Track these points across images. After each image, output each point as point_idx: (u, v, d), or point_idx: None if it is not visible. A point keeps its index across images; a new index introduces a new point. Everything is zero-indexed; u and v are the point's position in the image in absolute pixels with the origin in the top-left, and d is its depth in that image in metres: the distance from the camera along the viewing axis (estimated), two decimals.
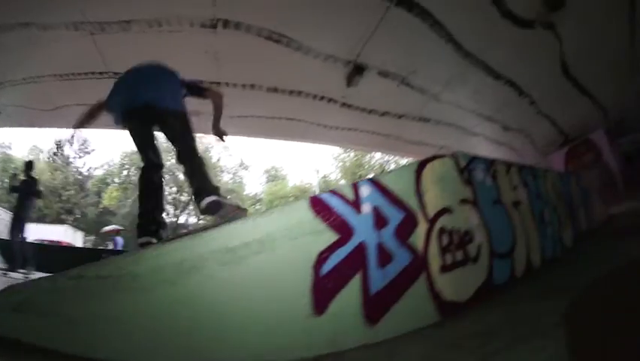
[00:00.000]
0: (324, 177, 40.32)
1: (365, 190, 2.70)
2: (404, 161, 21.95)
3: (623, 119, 16.24)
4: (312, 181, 39.10)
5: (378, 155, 34.37)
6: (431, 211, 2.99)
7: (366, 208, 2.63)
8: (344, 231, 2.46)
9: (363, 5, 6.29)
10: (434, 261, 2.86)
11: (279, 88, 7.73)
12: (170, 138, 3.36)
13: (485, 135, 12.66)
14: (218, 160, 39.80)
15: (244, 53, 6.83)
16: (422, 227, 2.89)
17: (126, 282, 2.02)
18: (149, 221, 3.15)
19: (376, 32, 6.89)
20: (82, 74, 6.96)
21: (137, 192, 3.27)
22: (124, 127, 3.36)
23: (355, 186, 2.70)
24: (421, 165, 3.14)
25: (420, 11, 6.70)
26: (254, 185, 59.15)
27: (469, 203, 3.41)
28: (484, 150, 14.01)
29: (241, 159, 52.41)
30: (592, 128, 15.74)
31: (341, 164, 38.78)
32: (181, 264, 2.05)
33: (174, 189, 37.49)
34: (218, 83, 7.28)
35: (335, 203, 2.52)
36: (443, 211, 3.09)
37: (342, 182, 39.14)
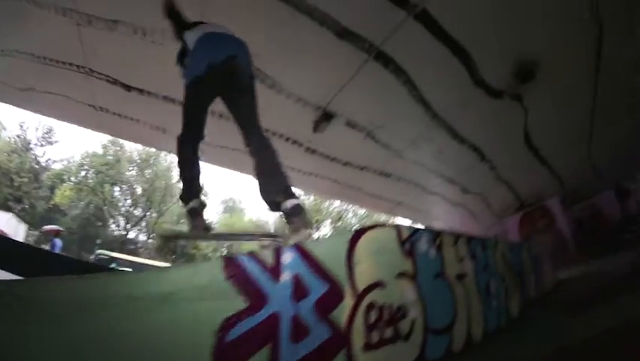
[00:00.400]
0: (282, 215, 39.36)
1: (287, 257, 2.52)
2: (362, 211, 22.11)
3: (577, 189, 17.19)
4: (268, 219, 38.80)
5: (337, 202, 34.31)
6: (361, 285, 2.84)
7: (286, 276, 2.45)
8: (256, 298, 2.27)
9: (343, 54, 6.40)
10: (358, 338, 2.68)
11: None
12: (237, 106, 3.37)
13: (443, 196, 12.92)
14: (179, 181, 39.05)
15: None
16: (348, 301, 2.72)
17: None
18: (197, 186, 3.34)
19: (350, 82, 7.01)
20: (59, 62, 6.69)
21: (179, 161, 3.37)
22: (195, 87, 3.23)
23: (277, 252, 2.51)
24: (357, 235, 3.01)
25: (395, 68, 6.92)
26: (210, 213, 58.12)
27: (407, 277, 3.29)
28: (441, 209, 14.47)
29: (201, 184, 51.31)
30: (548, 196, 16.64)
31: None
32: (74, 302, 1.79)
33: (129, 202, 36.45)
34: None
35: (251, 267, 2.33)
36: (375, 285, 2.95)
37: None
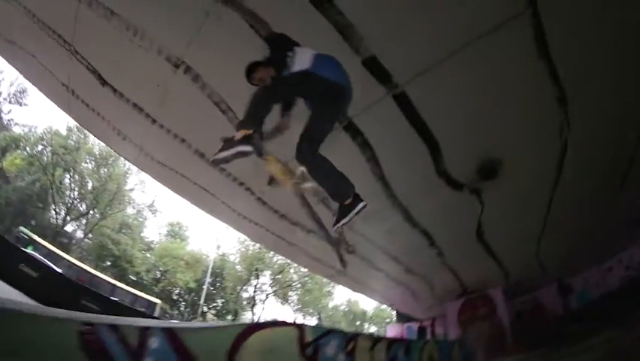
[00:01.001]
0: (223, 255, 39.34)
1: (154, 341, 2.13)
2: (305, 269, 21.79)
3: (521, 282, 17.60)
4: (209, 254, 37.75)
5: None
6: None
7: None
8: None
9: None
10: None
11: (205, 155, 7.33)
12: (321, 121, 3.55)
13: (387, 272, 12.72)
14: (132, 190, 37.71)
15: (189, 107, 6.49)
16: None
17: None
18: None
19: None
20: (49, 29, 6.32)
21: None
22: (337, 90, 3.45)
23: (146, 331, 2.13)
24: (248, 331, 2.67)
25: (363, 142, 6.79)
26: (153, 232, 56.17)
27: None
28: (383, 284, 14.30)
29: (153, 200, 50.19)
30: (491, 285, 16.67)
31: (243, 250, 37.93)
32: None
33: (76, 193, 34.50)
34: (154, 121, 6.82)
35: (110, 343, 1.95)
36: None
37: (239, 268, 38.19)
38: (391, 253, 10.97)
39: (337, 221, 3.51)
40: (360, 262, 11.35)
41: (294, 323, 3.04)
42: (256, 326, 2.78)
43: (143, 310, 17.77)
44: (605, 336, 8.56)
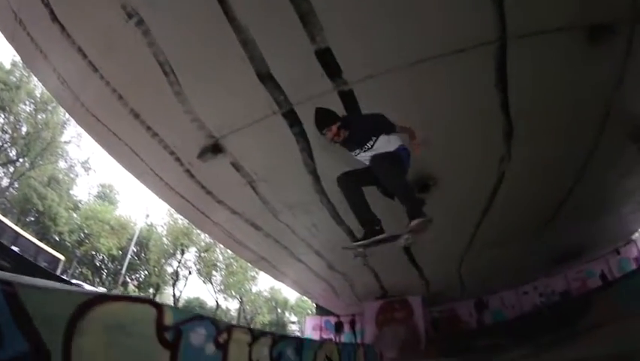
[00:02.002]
0: (151, 225, 38.05)
1: None
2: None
3: (440, 292, 18.37)
4: (137, 222, 35.99)
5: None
6: None
7: None
8: None
9: (255, 96, 5.99)
10: None
11: (141, 116, 6.85)
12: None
13: (308, 266, 12.72)
14: (67, 142, 35.21)
15: (132, 61, 6.00)
16: None
17: None
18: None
19: (251, 127, 6.55)
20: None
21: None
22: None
23: None
24: (95, 301, 2.37)
25: (300, 132, 6.57)
26: (83, 191, 53.34)
27: None
28: (304, 277, 14.35)
29: (88, 157, 47.26)
30: (411, 292, 17.38)
31: (172, 223, 36.87)
32: None
33: (7, 137, 31.37)
34: (95, 70, 6.22)
35: None
36: None
37: (165, 241, 37.28)
38: (314, 247, 10.93)
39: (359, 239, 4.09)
40: (281, 250, 11.25)
41: (152, 300, 2.73)
42: (106, 297, 2.49)
43: (45, 264, 16.69)
44: (514, 354, 9.00)
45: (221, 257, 38.66)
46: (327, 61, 5.58)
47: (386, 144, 4.22)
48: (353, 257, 4.91)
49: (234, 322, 38.96)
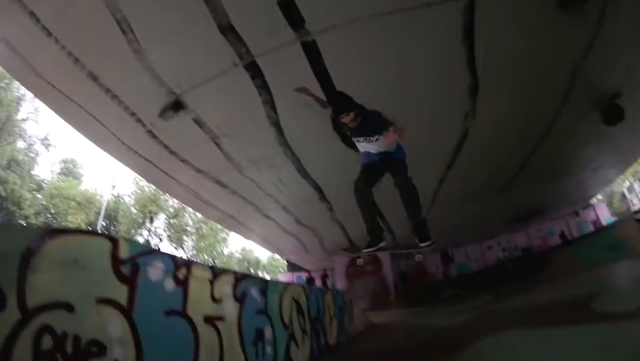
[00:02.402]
0: (118, 196, 36.97)
1: None
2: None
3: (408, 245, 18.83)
4: (103, 194, 35.09)
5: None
6: (34, 299, 2.12)
7: None
8: None
9: (216, 49, 5.75)
10: None
11: (99, 78, 6.52)
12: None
13: (277, 222, 12.79)
14: (24, 120, 33.16)
15: (88, 21, 5.57)
16: (11, 314, 2.01)
17: None
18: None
19: (211, 82, 6.33)
20: None
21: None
22: None
23: None
24: (50, 234, 2.28)
25: (262, 84, 6.38)
26: (45, 169, 51.26)
27: (114, 306, 2.57)
28: (273, 233, 14.45)
29: (47, 134, 44.76)
30: None
31: (139, 191, 36.09)
32: None
33: None
34: (49, 34, 5.80)
35: None
36: (57, 306, 2.23)
37: (133, 210, 36.59)
38: (281, 203, 10.95)
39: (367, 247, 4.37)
40: (249, 207, 11.21)
41: (107, 234, 2.66)
42: (59, 231, 2.38)
43: None
44: (477, 302, 9.40)
45: (190, 221, 38.31)
46: (290, 11, 5.37)
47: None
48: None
49: None
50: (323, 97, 5.01)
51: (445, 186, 11.14)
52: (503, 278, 15.76)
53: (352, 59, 6.16)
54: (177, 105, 6.85)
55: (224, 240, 43.57)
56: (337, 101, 4.73)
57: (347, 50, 5.95)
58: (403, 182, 4.77)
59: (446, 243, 20.60)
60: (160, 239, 37.56)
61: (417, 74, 6.53)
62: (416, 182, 8.49)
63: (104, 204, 29.45)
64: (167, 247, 37.57)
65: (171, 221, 37.10)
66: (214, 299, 3.59)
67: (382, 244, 4.43)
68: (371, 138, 4.73)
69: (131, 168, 9.47)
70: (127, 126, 7.53)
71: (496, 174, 11.50)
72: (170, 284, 3.07)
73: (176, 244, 38.68)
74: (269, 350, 4.28)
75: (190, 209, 26.30)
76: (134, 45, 5.77)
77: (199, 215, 31.55)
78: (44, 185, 35.11)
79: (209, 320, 3.42)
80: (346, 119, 4.52)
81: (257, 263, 55.72)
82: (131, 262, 2.70)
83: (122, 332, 2.53)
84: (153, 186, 30.07)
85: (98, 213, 29.81)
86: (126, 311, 2.60)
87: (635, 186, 39.70)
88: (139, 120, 7.36)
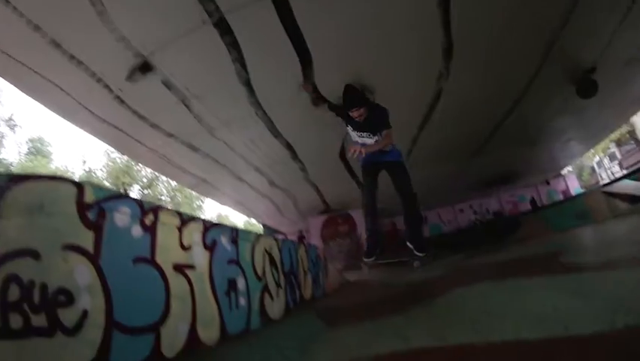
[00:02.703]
0: (89, 170, 35.36)
1: None
2: (174, 183, 20.89)
3: (381, 206, 19.15)
4: (75, 170, 33.88)
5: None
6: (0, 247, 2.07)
7: None
8: None
9: (184, 6, 5.47)
10: None
11: (62, 45, 6.14)
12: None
13: (250, 184, 12.71)
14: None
15: None
16: None
17: None
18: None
19: (179, 41, 6.04)
20: None
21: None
22: None
23: None
24: (12, 181, 2.23)
25: (232, 42, 6.11)
26: (12, 151, 48.94)
27: (80, 253, 2.46)
28: (247, 196, 14.37)
29: (12, 115, 42.64)
30: (353, 206, 18.12)
31: (111, 163, 34.63)
32: None
33: None
34: (6, 1, 5.39)
35: None
36: (23, 253, 2.16)
37: (106, 183, 35.74)
38: (254, 164, 10.83)
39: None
40: (221, 170, 11.07)
41: (72, 179, 2.53)
42: (24, 177, 2.30)
43: None
44: (449, 260, 9.71)
45: (164, 191, 37.76)
46: None
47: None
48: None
49: None
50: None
51: (418, 147, 11.23)
52: (475, 239, 16.27)
53: (325, 15, 5.95)
54: (145, 67, 6.52)
55: (200, 207, 43.19)
56: (349, 97, 5.04)
57: (320, 6, 5.76)
58: (404, 188, 5.31)
59: (420, 204, 20.94)
60: None
61: (391, 31, 6.37)
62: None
63: (77, 178, 28.77)
64: None
65: (145, 192, 36.33)
66: (183, 247, 3.45)
67: (395, 260, 5.49)
68: (372, 136, 5.11)
69: (101, 139, 9.12)
70: (94, 94, 7.17)
71: (469, 137, 11.63)
72: (137, 230, 2.95)
73: None
74: (242, 301, 4.18)
75: (164, 177, 25.97)
76: (99, 7, 5.40)
77: (173, 183, 31.13)
78: (12, 168, 33.92)
79: (179, 269, 3.30)
80: (355, 113, 4.84)
81: None
82: (97, 207, 2.59)
83: (89, 279, 2.44)
84: (125, 157, 29.58)
85: None
86: (93, 258, 2.50)
87: (605, 161, 41.66)
88: (106, 86, 6.98)
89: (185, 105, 7.58)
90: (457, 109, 9.29)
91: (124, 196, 2.91)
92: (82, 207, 2.49)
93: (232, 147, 9.49)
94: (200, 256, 3.65)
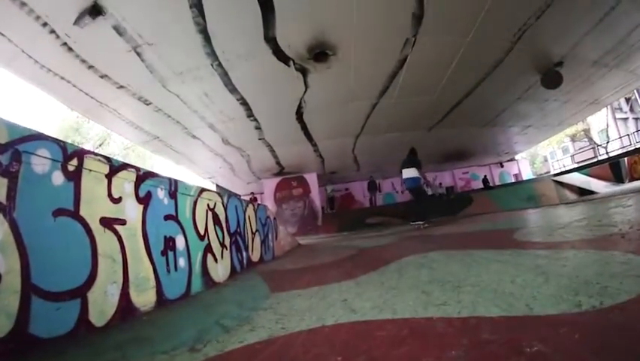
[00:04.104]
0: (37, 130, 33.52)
1: None
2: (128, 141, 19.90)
3: (335, 172, 19.42)
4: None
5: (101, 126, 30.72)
6: None
7: None
8: None
9: None
10: None
11: None
12: None
13: (203, 141, 12.32)
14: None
15: None
16: None
17: None
18: None
19: None
20: None
21: None
22: None
23: None
24: None
25: None
26: None
27: None
28: (200, 155, 14.00)
29: None
30: (308, 170, 18.37)
31: (60, 122, 33.10)
32: None
33: None
34: None
35: None
36: None
37: None
38: (208, 120, 10.42)
39: None
40: (174, 126, 10.61)
41: None
42: None
43: None
44: (400, 229, 9.90)
45: (116, 150, 36.29)
46: None
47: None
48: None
49: None
50: None
51: (376, 112, 11.23)
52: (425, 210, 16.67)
53: None
54: (95, 10, 5.93)
55: (152, 167, 41.98)
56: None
57: None
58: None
59: (374, 171, 21.26)
60: None
61: None
62: (352, 106, 8.34)
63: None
64: None
65: (97, 150, 35.09)
66: (112, 199, 2.99)
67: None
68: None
69: (47, 92, 8.37)
70: (39, 41, 6.50)
71: (429, 109, 11.69)
72: (58, 178, 2.51)
73: None
74: (182, 262, 3.76)
75: (116, 135, 24.74)
76: None
77: (125, 141, 29.87)
78: None
79: (108, 224, 2.86)
80: None
81: None
82: (11, 149, 2.18)
83: (1, 236, 2.04)
84: (75, 114, 27.91)
85: None
86: (6, 210, 2.10)
87: (558, 153, 43.93)
88: (52, 31, 6.35)
89: (137, 54, 7.06)
90: (420, 80, 9.28)
91: (44, 136, 2.45)
92: None
93: (185, 101, 9.04)
94: (132, 210, 3.21)
